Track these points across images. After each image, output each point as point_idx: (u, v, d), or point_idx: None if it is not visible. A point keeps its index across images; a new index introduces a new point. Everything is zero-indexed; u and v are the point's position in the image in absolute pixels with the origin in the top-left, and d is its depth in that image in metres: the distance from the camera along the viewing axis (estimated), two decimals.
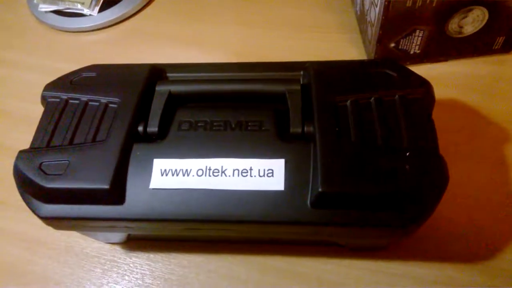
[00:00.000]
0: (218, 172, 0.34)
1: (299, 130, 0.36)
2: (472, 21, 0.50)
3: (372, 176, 0.32)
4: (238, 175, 0.34)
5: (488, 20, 0.50)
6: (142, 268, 0.44)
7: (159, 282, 0.43)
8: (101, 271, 0.45)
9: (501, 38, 0.53)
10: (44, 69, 0.63)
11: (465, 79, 0.54)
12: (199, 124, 0.37)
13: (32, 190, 0.36)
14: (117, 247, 0.46)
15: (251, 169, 0.34)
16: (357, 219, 0.32)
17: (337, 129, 0.35)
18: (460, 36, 0.52)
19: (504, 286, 0.40)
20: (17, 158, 0.36)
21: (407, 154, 0.33)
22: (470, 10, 0.49)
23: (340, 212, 0.33)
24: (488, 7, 0.49)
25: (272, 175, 0.34)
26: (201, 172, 0.34)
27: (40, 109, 0.40)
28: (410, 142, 0.34)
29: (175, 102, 0.39)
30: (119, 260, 0.45)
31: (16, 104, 0.59)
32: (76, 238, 0.47)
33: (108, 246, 0.46)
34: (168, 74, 0.42)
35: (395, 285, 0.41)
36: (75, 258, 0.46)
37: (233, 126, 0.37)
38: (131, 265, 0.45)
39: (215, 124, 0.37)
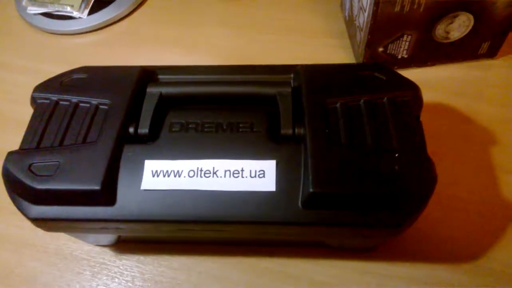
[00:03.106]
0: (210, 173, 0.34)
1: (290, 132, 0.36)
2: (458, 27, 0.51)
3: (362, 177, 0.33)
4: (230, 176, 0.34)
5: (473, 26, 0.51)
6: (132, 271, 0.44)
7: (149, 285, 0.43)
8: (90, 273, 0.44)
9: (486, 43, 0.54)
10: (33, 71, 0.62)
11: (452, 83, 0.55)
12: (191, 126, 0.37)
13: (21, 191, 0.35)
14: (107, 250, 0.46)
15: (242, 170, 0.34)
16: (347, 219, 0.33)
17: (327, 131, 0.35)
18: (446, 41, 0.53)
19: (492, 285, 0.41)
20: (6, 159, 0.36)
21: (396, 155, 0.34)
22: (456, 16, 0.50)
23: (331, 213, 0.33)
24: (473, 13, 0.50)
25: (264, 176, 0.34)
26: (193, 173, 0.34)
27: (29, 111, 0.39)
28: (399, 143, 0.34)
29: (166, 104, 0.39)
30: (109, 263, 0.45)
31: (4, 106, 0.59)
32: (65, 240, 0.46)
33: (97, 248, 0.46)
34: (159, 76, 0.42)
35: (385, 285, 0.42)
36: (64, 260, 0.45)
37: (225, 127, 0.37)
38: (121, 267, 0.45)
39: (206, 125, 0.37)
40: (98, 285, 0.44)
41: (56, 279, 0.44)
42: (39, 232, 0.38)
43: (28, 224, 0.36)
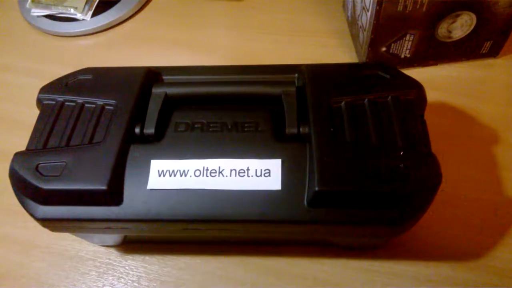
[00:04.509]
0: (216, 172, 0.35)
1: (295, 130, 0.36)
2: (461, 26, 0.51)
3: (367, 175, 0.33)
4: (236, 175, 0.34)
5: (476, 25, 0.51)
6: (138, 271, 0.44)
7: (155, 285, 0.43)
8: (96, 274, 0.45)
9: (488, 42, 0.54)
10: (38, 73, 0.62)
11: (455, 82, 0.55)
12: (196, 126, 0.37)
13: (28, 192, 0.35)
14: (113, 250, 0.46)
15: (248, 169, 0.34)
16: (353, 217, 0.33)
17: (332, 129, 0.35)
18: (449, 40, 0.53)
19: (496, 284, 0.41)
20: (13, 160, 0.36)
21: (401, 153, 0.34)
22: (459, 15, 0.50)
23: (336, 211, 0.33)
24: (476, 13, 0.50)
25: (269, 175, 0.34)
26: (199, 173, 0.35)
27: (34, 113, 0.39)
28: (403, 141, 0.34)
29: (171, 104, 0.39)
30: (114, 263, 0.45)
31: (10, 108, 0.59)
32: (71, 241, 0.46)
33: (103, 249, 0.46)
34: (164, 77, 0.42)
35: (390, 284, 0.42)
36: (70, 261, 0.45)
37: (230, 127, 0.37)
38: (127, 267, 0.45)
39: (211, 125, 0.37)
40: (104, 285, 0.44)
41: (62, 279, 0.44)
42: (45, 233, 0.38)
43: (34, 224, 0.36)
